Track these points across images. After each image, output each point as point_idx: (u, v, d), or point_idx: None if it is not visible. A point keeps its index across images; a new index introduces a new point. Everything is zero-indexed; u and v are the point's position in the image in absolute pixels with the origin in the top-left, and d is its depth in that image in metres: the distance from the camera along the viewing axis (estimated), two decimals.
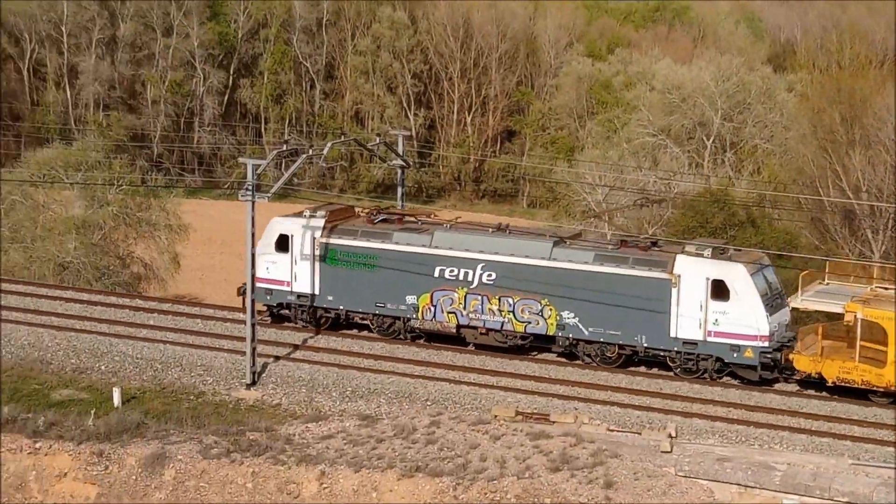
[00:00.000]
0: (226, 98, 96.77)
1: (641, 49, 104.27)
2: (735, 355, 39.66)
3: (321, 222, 44.31)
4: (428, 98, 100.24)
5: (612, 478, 30.89)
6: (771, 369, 39.59)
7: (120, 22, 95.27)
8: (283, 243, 44.62)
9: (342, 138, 54.80)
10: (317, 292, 44.43)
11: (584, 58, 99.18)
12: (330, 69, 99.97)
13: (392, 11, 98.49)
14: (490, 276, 42.25)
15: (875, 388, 38.15)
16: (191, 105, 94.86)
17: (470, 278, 42.48)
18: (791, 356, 39.06)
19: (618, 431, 34.82)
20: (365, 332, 44.41)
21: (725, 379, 39.94)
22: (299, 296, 44.60)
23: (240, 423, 35.48)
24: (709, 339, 39.92)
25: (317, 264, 44.31)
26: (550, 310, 41.79)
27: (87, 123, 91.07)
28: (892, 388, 37.66)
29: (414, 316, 43.41)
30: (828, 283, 41.98)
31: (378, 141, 50.72)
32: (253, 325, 39.65)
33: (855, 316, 38.39)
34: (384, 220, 45.17)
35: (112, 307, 46.90)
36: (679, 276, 40.02)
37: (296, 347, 42.75)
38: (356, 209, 47.60)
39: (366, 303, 43.87)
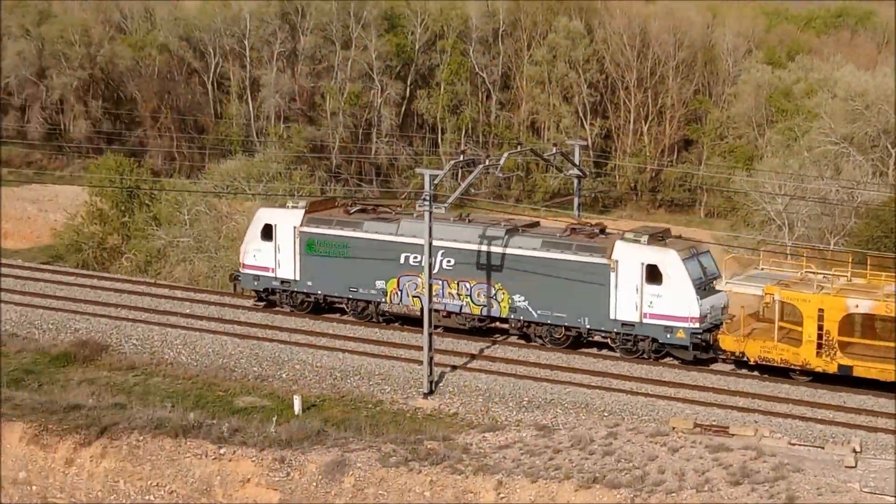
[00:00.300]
0: (403, 109, 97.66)
1: (823, 55, 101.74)
2: (668, 336, 42.18)
3: (301, 213, 47.77)
4: (604, 107, 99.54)
5: (795, 493, 30.12)
6: (703, 349, 41.97)
7: (300, 35, 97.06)
8: (267, 232, 48.28)
9: (518, 148, 55.08)
10: (297, 278, 47.84)
11: (764, 65, 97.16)
12: (506, 79, 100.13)
13: (568, 21, 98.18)
14: (449, 262, 45.28)
15: (793, 367, 40.55)
16: (368, 116, 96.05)
17: (450, 264, 45.46)
18: (718, 336, 41.53)
19: (800, 445, 34.09)
20: (534, 345, 44.37)
21: None
22: (282, 281, 48.17)
23: (417, 432, 35.75)
24: (645, 320, 42.44)
25: (297, 252, 47.70)
26: (503, 293, 44.52)
27: (268, 135, 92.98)
28: (809, 367, 40.03)
29: (383, 300, 46.69)
30: (762, 268, 44.07)
31: (554, 151, 50.70)
32: (430, 335, 39.96)
33: (773, 298, 40.95)
34: (360, 211, 48.65)
35: (293, 316, 47.78)
36: (617, 261, 42.59)
37: (472, 357, 42.94)
38: (337, 201, 51.06)
39: (341, 288, 47.26)
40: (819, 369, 40.14)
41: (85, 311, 47.86)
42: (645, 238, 42.93)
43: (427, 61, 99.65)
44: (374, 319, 47.16)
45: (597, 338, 44.05)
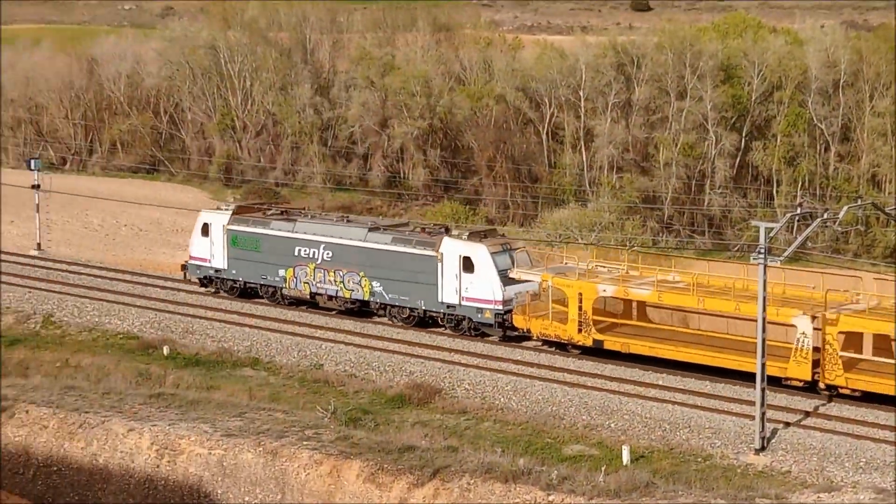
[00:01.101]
0: (737, 160, 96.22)
1: None
2: (479, 316, 50.36)
3: (229, 214, 57.44)
4: None
5: None
6: (506, 328, 49.86)
7: (635, 86, 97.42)
8: (205, 230, 57.81)
9: (858, 202, 53.10)
10: (226, 267, 57.18)
11: None
12: (846, 131, 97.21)
13: None
14: (328, 254, 54.03)
15: (562, 340, 48.33)
16: (702, 167, 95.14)
17: (316, 256, 54.36)
18: (512, 316, 49.42)
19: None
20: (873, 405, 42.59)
21: None
22: (216, 270, 57.57)
23: (749, 489, 34.83)
24: (462, 303, 50.64)
25: (225, 246, 56.89)
26: (365, 280, 53.12)
27: (600, 185, 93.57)
28: (573, 341, 48.04)
29: (283, 286, 55.55)
30: (565, 262, 51.71)
31: None
32: (762, 390, 38.99)
33: (547, 284, 48.79)
34: (273, 213, 58.07)
35: (621, 366, 47.57)
36: (442, 254, 50.83)
37: (806, 414, 41.58)
38: (264, 207, 61.03)
39: (255, 275, 56.35)
40: (580, 343, 48.06)
41: (419, 355, 49.21)
42: (465, 235, 51.81)
43: (763, 112, 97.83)
44: (280, 302, 55.89)
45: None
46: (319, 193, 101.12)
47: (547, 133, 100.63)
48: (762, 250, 38.49)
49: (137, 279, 60.86)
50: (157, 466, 36.52)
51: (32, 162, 72.42)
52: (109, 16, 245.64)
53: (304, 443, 36.68)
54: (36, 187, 69.24)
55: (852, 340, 43.20)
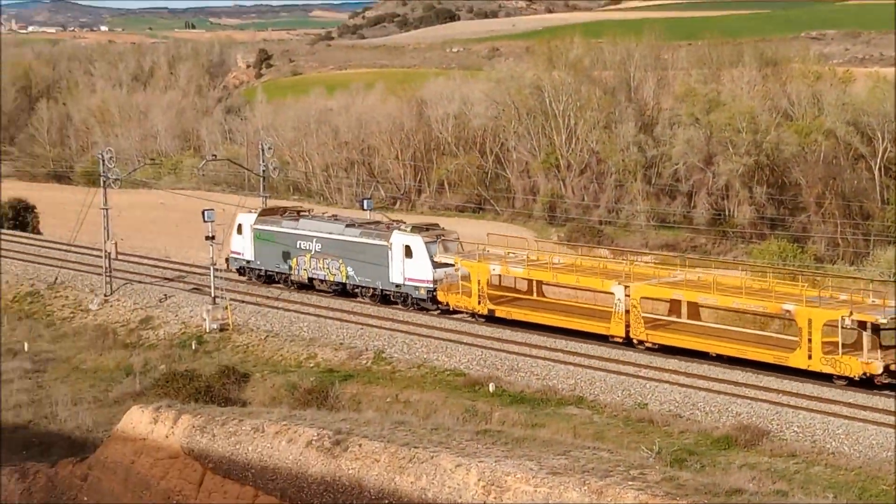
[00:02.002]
0: None
1: None
2: (417, 292, 61.81)
3: (255, 216, 69.76)
4: None
5: None
6: (434, 302, 61.13)
7: None
8: (240, 229, 69.97)
9: None
10: (253, 259, 69.86)
11: None
12: None
13: None
14: (319, 246, 65.92)
15: (468, 311, 59.93)
16: None
17: (311, 247, 66.45)
18: (437, 292, 60.64)
19: None
20: None
21: None
22: (247, 261, 70.28)
23: None
24: (405, 282, 62.00)
25: (252, 241, 69.34)
26: (343, 266, 64.78)
27: None
28: (476, 311, 59.41)
29: (290, 272, 68.00)
30: (511, 253, 61.94)
31: None
32: None
33: (458, 266, 59.99)
34: (289, 214, 70.40)
35: None
36: (392, 243, 62.21)
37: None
38: (281, 209, 72.54)
39: (273, 264, 68.79)
40: (479, 312, 59.54)
41: (746, 395, 48.09)
42: (408, 229, 63.32)
43: None
44: (290, 286, 68.03)
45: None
46: (643, 231, 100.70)
47: (879, 168, 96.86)
48: None
49: (455, 316, 62.02)
50: (484, 502, 37.07)
51: (365, 202, 75.36)
52: (438, 59, 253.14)
53: (630, 483, 36.37)
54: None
55: (674, 306, 55.15)
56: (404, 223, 65.87)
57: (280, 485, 40.30)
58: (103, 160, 70.21)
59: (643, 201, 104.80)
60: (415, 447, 38.55)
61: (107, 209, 70.68)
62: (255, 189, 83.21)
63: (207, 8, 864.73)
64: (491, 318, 59.09)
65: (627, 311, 54.14)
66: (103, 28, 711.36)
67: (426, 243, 61.68)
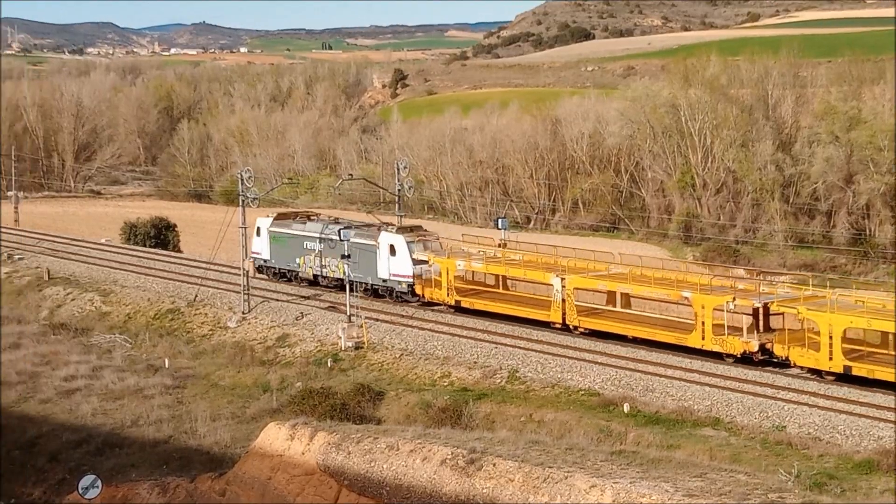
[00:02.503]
0: None
1: None
2: (399, 286, 68.64)
3: (271, 220, 77.06)
4: None
5: None
6: (413, 294, 68.04)
7: None
8: (258, 232, 77.05)
9: None
10: (269, 258, 77.22)
11: None
12: None
13: None
14: (321, 246, 72.55)
15: (440, 302, 67.02)
16: None
17: (315, 248, 73.30)
18: (415, 286, 67.58)
19: None
20: None
21: None
22: (265, 261, 77.53)
23: None
24: (390, 277, 68.78)
25: (269, 243, 76.65)
26: (340, 264, 69.48)
27: None
28: (446, 302, 66.62)
29: (299, 270, 75.09)
30: (461, 247, 70.53)
31: None
32: None
33: (431, 262, 66.87)
34: (299, 218, 77.30)
35: None
36: (379, 243, 68.58)
37: None
38: (293, 213, 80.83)
39: (284, 263, 76.04)
40: (448, 303, 66.72)
41: (887, 419, 46.97)
42: (393, 230, 69.80)
43: None
44: (299, 283, 75.32)
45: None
46: (781, 251, 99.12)
47: None
48: None
49: (590, 337, 61.71)
50: None
51: (500, 221, 75.37)
52: (573, 77, 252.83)
53: None
54: (503, 245, 72.13)
55: (610, 297, 61.70)
56: (392, 225, 71.74)
57: (414, 503, 40.48)
58: (242, 179, 71.44)
59: (781, 220, 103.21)
60: (549, 467, 38.39)
61: (245, 228, 72.01)
62: (390, 208, 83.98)
63: (344, 28, 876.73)
64: (458, 308, 66.53)
65: (564, 301, 61.39)
66: (243, 49, 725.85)
67: (408, 243, 68.78)
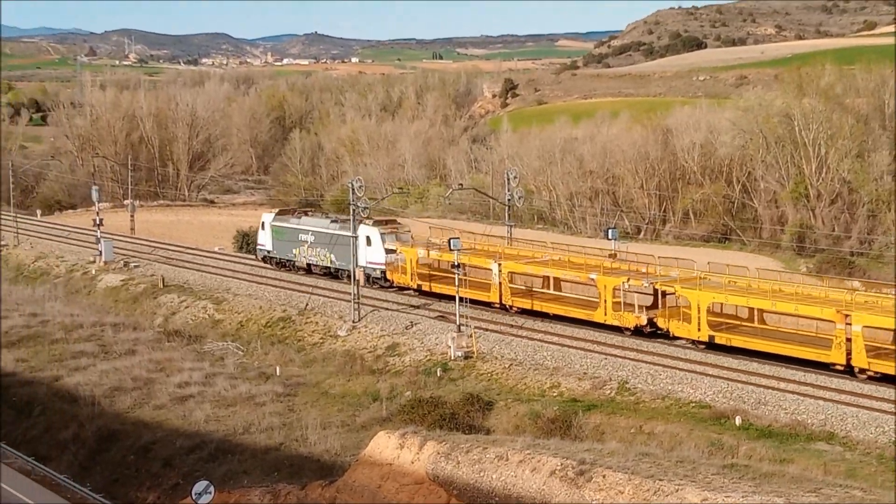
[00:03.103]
0: None
1: None
2: (374, 273, 78.08)
3: (273, 214, 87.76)
4: None
5: None
6: (385, 280, 77.56)
7: None
8: (263, 226, 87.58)
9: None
10: (272, 249, 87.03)
11: None
12: None
13: None
14: (312, 238, 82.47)
15: (406, 286, 76.66)
16: None
17: (307, 239, 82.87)
18: (387, 272, 77.50)
19: None
20: None
21: None
22: (268, 251, 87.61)
23: None
24: (367, 264, 77.59)
25: (271, 235, 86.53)
26: (328, 254, 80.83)
27: None
28: (409, 286, 76.27)
29: (295, 259, 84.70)
30: (430, 238, 78.87)
31: None
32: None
33: (399, 251, 76.68)
34: (296, 213, 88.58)
35: None
36: (358, 235, 74.77)
37: None
38: (292, 209, 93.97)
39: (283, 253, 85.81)
40: (412, 286, 75.93)
41: None
42: (371, 223, 77.97)
43: None
44: (296, 271, 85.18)
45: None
46: None
47: None
48: None
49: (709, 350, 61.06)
50: None
51: (610, 231, 74.99)
52: (684, 87, 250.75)
53: None
54: (613, 256, 71.78)
55: (545, 281, 70.87)
56: (370, 218, 78.63)
57: None
58: (353, 189, 72.09)
59: None
60: (659, 479, 38.09)
61: (355, 237, 72.65)
62: (500, 217, 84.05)
63: (455, 38, 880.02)
64: (421, 292, 76.02)
65: (500, 284, 69.61)
66: (354, 59, 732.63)
67: (381, 234, 77.69)
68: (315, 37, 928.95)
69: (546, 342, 63.38)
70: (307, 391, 61.99)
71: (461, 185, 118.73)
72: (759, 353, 57.86)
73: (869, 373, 53.35)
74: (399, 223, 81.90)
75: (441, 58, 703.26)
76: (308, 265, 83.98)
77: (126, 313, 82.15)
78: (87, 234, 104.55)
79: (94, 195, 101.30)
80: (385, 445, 45.59)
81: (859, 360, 53.50)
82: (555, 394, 56.79)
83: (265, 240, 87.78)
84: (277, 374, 64.84)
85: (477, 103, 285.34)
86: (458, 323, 65.27)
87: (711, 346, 59.74)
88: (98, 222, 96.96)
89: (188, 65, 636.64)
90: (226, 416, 57.44)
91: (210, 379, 63.46)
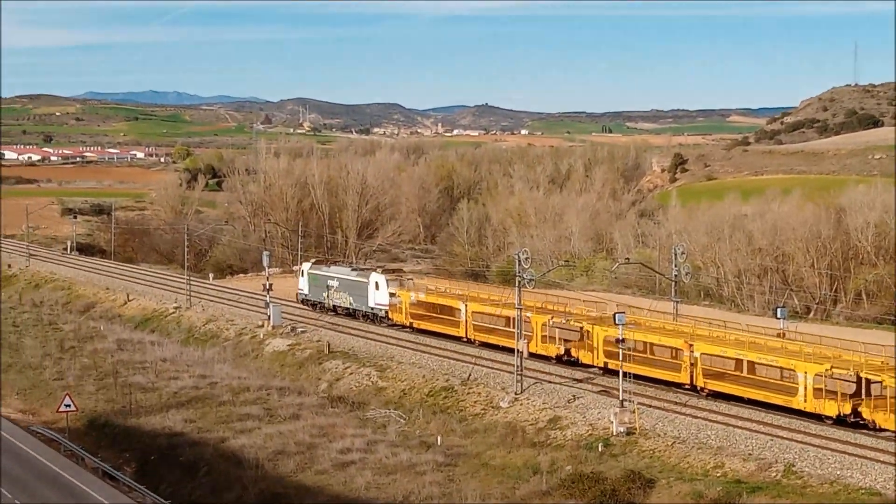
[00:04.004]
0: None
1: None
2: (381, 312, 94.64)
3: (310, 265, 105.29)
4: None
5: None
6: (387, 319, 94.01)
7: None
8: (302, 274, 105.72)
9: None
10: (308, 293, 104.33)
11: None
12: None
13: None
14: (337, 283, 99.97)
15: (402, 324, 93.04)
16: None
17: (334, 284, 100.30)
18: (389, 312, 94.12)
19: None
20: None
21: None
22: (305, 295, 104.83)
23: None
24: (375, 306, 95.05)
25: (308, 282, 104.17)
26: (348, 296, 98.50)
27: None
28: (407, 325, 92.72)
29: (324, 302, 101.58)
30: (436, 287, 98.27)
31: None
32: None
33: (398, 295, 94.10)
34: (328, 264, 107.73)
35: None
36: (369, 281, 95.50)
37: None
38: (325, 259, 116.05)
39: (316, 296, 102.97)
40: (405, 323, 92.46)
41: None
42: (380, 272, 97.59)
43: None
44: (325, 311, 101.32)
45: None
46: None
47: None
48: None
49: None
50: None
51: (778, 311, 73.49)
52: (859, 165, 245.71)
53: None
54: (781, 335, 70.28)
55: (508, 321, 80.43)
56: (380, 266, 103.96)
57: None
58: (519, 260, 72.18)
59: None
60: None
61: (521, 309, 72.64)
62: (666, 293, 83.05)
63: (625, 112, 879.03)
64: (413, 328, 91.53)
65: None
66: (524, 131, 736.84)
67: (387, 280, 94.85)
68: (485, 108, 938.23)
69: (710, 420, 62.23)
70: (468, 461, 61.93)
71: (627, 258, 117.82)
72: None
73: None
74: (403, 272, 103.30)
75: (611, 131, 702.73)
76: (334, 306, 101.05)
77: (291, 378, 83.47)
78: (256, 299, 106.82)
79: (265, 260, 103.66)
80: None
81: None
82: (718, 474, 55.65)
83: (303, 285, 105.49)
84: (438, 443, 64.98)
85: (645, 177, 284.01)
86: (620, 398, 64.57)
87: (605, 370, 72.94)
88: (268, 287, 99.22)
89: (360, 134, 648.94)
90: (386, 484, 57.75)
91: (372, 446, 63.94)
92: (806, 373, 61.40)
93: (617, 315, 66.28)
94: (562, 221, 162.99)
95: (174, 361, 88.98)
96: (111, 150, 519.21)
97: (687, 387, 68.30)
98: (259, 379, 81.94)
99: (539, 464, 59.80)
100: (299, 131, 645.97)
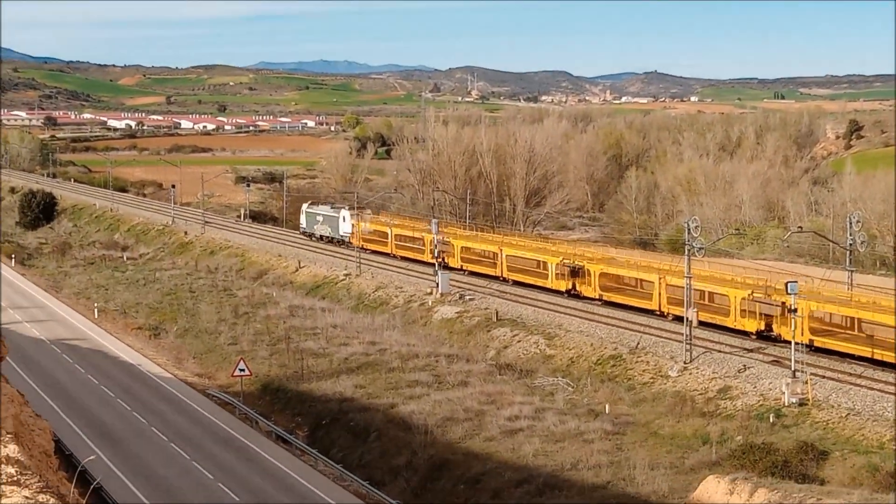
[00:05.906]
0: None
1: None
2: (346, 238, 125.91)
3: (307, 205, 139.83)
4: None
5: None
6: (350, 243, 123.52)
7: None
8: (302, 212, 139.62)
9: None
10: (306, 227, 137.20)
11: None
12: None
13: None
14: (321, 218, 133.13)
15: (383, 253, 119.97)
16: None
17: (320, 219, 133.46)
18: (351, 238, 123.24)
19: None
20: None
21: None
22: (304, 228, 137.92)
23: None
24: (342, 234, 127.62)
25: (306, 217, 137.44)
26: (328, 227, 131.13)
27: None
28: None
29: (314, 232, 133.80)
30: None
31: None
32: None
33: (356, 224, 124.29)
34: (318, 203, 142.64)
35: None
36: (339, 215, 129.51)
37: None
38: (319, 201, 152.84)
39: (310, 228, 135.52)
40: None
41: None
42: (347, 207, 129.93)
43: None
44: (317, 239, 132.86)
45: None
46: None
47: None
48: None
49: None
50: None
51: None
52: None
53: None
54: None
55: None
56: (349, 203, 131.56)
57: None
58: (688, 229, 71.30)
59: None
60: None
61: (689, 277, 71.81)
62: (840, 262, 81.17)
63: (798, 78, 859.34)
64: (363, 250, 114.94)
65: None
66: (693, 98, 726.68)
67: (350, 214, 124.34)
68: (654, 75, 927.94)
69: (886, 392, 60.66)
70: (636, 431, 61.64)
71: (800, 227, 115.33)
72: None
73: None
74: (366, 209, 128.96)
75: (783, 97, 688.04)
76: (320, 236, 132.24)
77: (460, 345, 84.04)
78: (425, 266, 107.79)
79: (434, 228, 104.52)
80: (714, 490, 44.82)
81: None
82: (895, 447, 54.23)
83: (303, 221, 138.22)
84: (607, 412, 64.80)
85: (819, 144, 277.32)
86: (793, 368, 63.38)
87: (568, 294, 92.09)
88: (437, 255, 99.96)
89: (528, 101, 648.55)
90: (554, 452, 57.85)
91: (539, 413, 64.09)
92: None
93: (789, 284, 65.06)
94: (732, 189, 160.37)
95: (344, 328, 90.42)
96: (283, 119, 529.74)
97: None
98: (427, 346, 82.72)
99: (708, 434, 59.18)
100: (467, 99, 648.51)
